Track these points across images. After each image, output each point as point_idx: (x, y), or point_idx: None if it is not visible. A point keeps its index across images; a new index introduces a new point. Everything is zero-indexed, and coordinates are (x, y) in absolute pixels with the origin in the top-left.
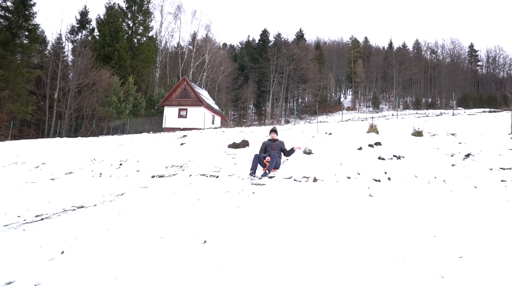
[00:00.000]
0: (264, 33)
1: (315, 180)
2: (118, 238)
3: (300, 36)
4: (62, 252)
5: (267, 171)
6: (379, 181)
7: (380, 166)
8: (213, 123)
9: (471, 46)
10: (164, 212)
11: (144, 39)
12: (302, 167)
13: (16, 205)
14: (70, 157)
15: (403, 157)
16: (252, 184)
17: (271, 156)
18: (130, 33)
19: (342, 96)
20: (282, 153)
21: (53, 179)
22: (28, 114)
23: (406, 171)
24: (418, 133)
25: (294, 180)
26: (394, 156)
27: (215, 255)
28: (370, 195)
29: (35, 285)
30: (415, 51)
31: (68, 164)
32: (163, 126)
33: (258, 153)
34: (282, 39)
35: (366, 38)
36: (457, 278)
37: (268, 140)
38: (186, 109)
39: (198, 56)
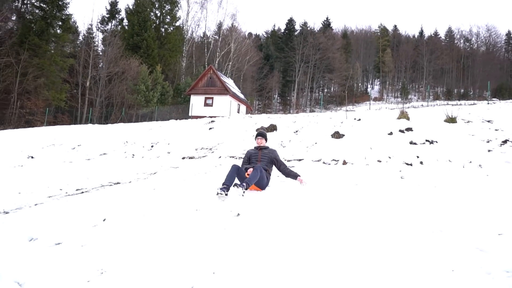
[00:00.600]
0: (290, 22)
1: (344, 163)
2: (154, 210)
3: (326, 25)
4: (104, 220)
5: (244, 184)
6: (411, 164)
7: (412, 151)
8: (238, 112)
9: (508, 34)
10: (196, 189)
11: (171, 28)
12: (330, 150)
13: (57, 180)
14: (103, 140)
15: (436, 142)
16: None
17: (254, 168)
18: (157, 22)
19: (369, 86)
20: (274, 167)
21: (88, 159)
22: (62, 101)
23: (440, 156)
24: (451, 120)
25: (323, 162)
26: (426, 140)
27: (248, 226)
28: (401, 178)
29: (81, 246)
30: (448, 39)
31: (102, 146)
32: (190, 115)
33: (238, 164)
34: (308, 28)
35: (395, 26)
36: (497, 252)
37: (254, 148)
38: (212, 98)
39: (223, 45)
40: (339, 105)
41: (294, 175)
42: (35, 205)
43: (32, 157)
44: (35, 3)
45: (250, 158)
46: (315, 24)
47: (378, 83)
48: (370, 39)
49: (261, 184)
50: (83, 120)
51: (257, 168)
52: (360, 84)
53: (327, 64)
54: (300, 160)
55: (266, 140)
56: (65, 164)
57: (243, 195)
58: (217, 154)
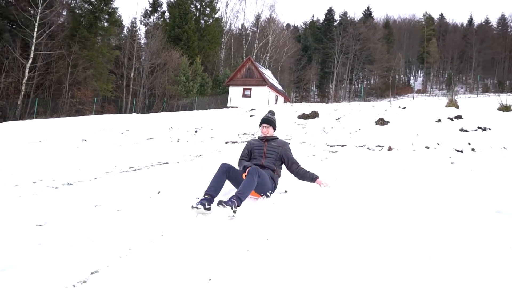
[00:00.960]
0: (329, 12)
1: (390, 149)
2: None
3: (367, 14)
4: (159, 192)
5: (234, 200)
6: (461, 151)
7: (462, 138)
8: (276, 103)
9: None
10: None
11: (211, 20)
12: (375, 136)
13: (110, 159)
14: (149, 126)
15: (489, 129)
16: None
17: (248, 172)
18: (197, 15)
19: (411, 78)
20: (284, 166)
21: (136, 143)
22: (108, 91)
23: (493, 143)
24: (505, 108)
25: (368, 148)
26: (478, 128)
27: (294, 201)
28: (452, 163)
29: (141, 213)
30: (500, 27)
31: (148, 131)
32: (228, 105)
33: (228, 162)
34: (348, 18)
35: (441, 14)
36: None
37: (258, 138)
38: (250, 89)
39: (261, 37)
40: (379, 97)
41: (310, 177)
42: (94, 179)
43: (85, 140)
44: None
45: (251, 153)
46: (356, 14)
47: (421, 74)
48: (414, 28)
49: (265, 187)
50: (127, 110)
51: (251, 172)
52: (402, 76)
53: (367, 55)
54: (343, 145)
55: (274, 129)
56: (116, 147)
57: (233, 216)
58: None
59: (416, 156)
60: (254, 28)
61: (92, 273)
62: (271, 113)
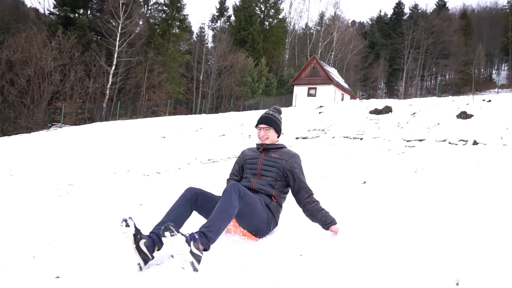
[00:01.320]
0: (398, 6)
1: (475, 143)
2: None
3: (441, 5)
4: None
5: (199, 234)
6: None
7: None
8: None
9: None
10: (315, 163)
11: (275, 21)
12: (457, 130)
13: (189, 153)
14: (220, 124)
15: None
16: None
17: (224, 191)
18: (262, 16)
19: (494, 71)
20: (290, 191)
21: (210, 139)
22: (180, 94)
23: None
24: None
25: (449, 143)
26: None
27: (374, 193)
28: None
29: None
30: None
31: (220, 129)
32: (293, 105)
33: (196, 186)
34: (419, 11)
35: None
36: None
37: (255, 147)
38: (315, 88)
39: (326, 35)
40: (456, 94)
41: (323, 220)
42: (179, 169)
43: (164, 137)
44: (158, 7)
45: (243, 167)
46: (428, 6)
47: (505, 68)
48: (496, 17)
49: (252, 226)
50: (197, 111)
51: (228, 190)
52: (482, 70)
53: (442, 49)
54: (421, 140)
55: (278, 132)
56: (192, 143)
57: (196, 270)
58: (330, 134)
59: (507, 150)
60: (318, 27)
61: None
62: (276, 110)
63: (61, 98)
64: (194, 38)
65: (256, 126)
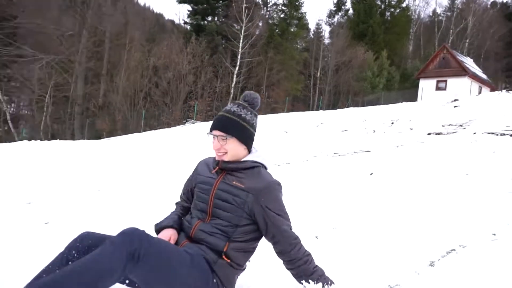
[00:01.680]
0: None
1: None
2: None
3: None
4: (371, 174)
5: None
6: None
7: None
8: (480, 94)
9: None
10: (455, 160)
11: (397, 11)
12: None
13: (313, 146)
14: (341, 120)
15: None
16: None
17: (109, 244)
18: (382, 7)
19: None
20: (263, 235)
21: (333, 134)
22: (298, 91)
23: None
24: None
25: None
26: None
27: None
28: None
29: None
30: None
31: (342, 124)
32: (419, 100)
33: (91, 230)
34: None
35: None
36: None
37: (212, 161)
38: (445, 81)
39: (458, 21)
40: None
41: (314, 279)
42: (306, 160)
43: (286, 132)
44: (277, 8)
45: (192, 191)
46: None
47: None
48: None
49: None
50: (314, 107)
51: (112, 244)
52: None
53: None
54: None
55: (245, 140)
56: (314, 137)
57: None
58: (471, 130)
59: None
60: (448, 13)
61: None
62: (244, 105)
63: (194, 97)
64: (311, 35)
65: (210, 131)
